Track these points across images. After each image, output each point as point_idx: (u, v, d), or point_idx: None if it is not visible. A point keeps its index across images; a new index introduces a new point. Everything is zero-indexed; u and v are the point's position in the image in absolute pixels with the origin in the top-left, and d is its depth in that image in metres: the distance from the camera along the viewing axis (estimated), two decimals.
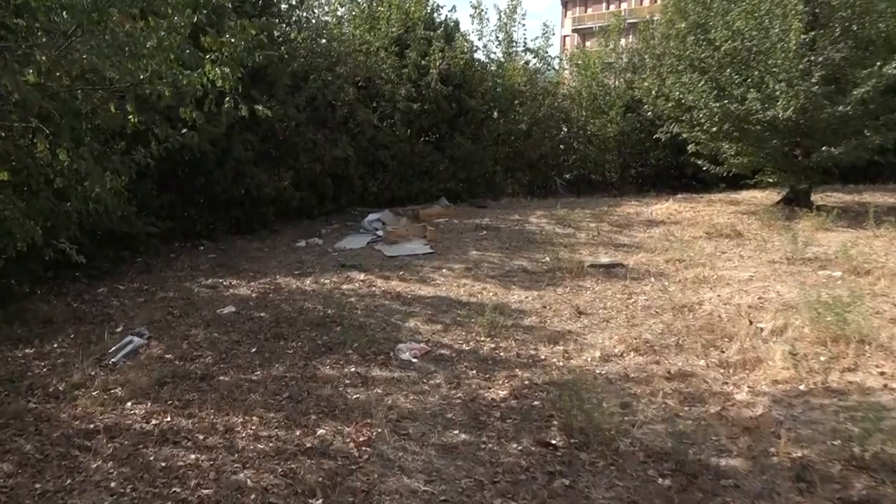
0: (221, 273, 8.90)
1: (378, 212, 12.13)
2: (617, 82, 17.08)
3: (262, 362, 5.66)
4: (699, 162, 13.09)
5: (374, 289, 7.98)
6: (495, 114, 15.88)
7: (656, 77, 13.84)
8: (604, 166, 17.30)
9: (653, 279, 8.29)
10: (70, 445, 4.25)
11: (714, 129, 11.95)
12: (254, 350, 5.94)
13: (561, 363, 5.73)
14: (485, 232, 11.15)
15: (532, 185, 16.04)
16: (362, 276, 8.51)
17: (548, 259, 9.31)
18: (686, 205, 13.31)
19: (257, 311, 7.05)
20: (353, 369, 5.53)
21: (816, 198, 12.93)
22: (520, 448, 4.29)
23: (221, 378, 5.34)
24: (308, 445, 4.22)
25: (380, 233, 11.00)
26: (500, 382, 5.33)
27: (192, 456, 4.09)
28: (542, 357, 5.86)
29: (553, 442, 4.33)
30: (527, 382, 5.30)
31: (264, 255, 9.99)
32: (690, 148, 13.14)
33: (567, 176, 17.04)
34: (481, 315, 6.78)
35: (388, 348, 5.98)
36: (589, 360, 5.81)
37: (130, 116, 6.18)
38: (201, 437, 4.35)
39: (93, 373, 5.47)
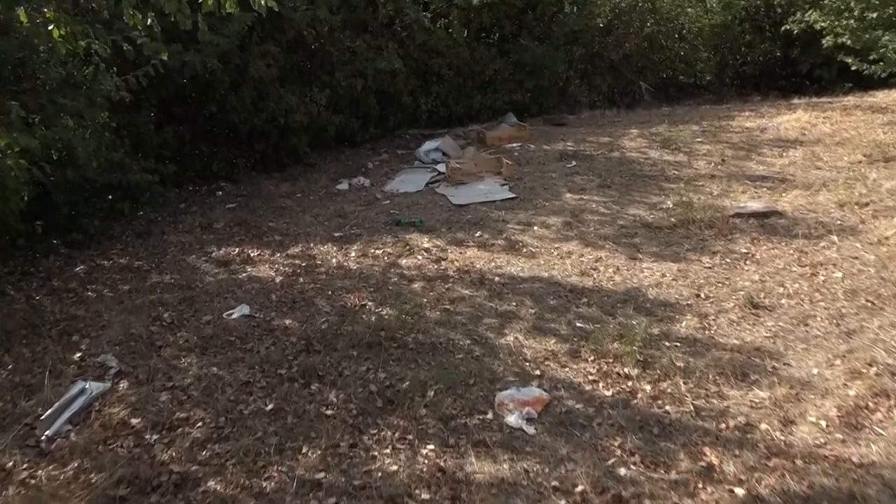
0: (239, 236, 6.58)
1: (435, 138, 9.55)
2: None
3: (280, 440, 3.36)
4: (849, 59, 10.02)
5: (444, 265, 5.57)
6: (567, 6, 12.85)
7: None
8: (695, 66, 14.19)
9: (835, 237, 5.70)
10: None
11: (872, 15, 8.89)
12: (269, 407, 3.64)
13: (780, 435, 3.30)
14: (574, 163, 8.53)
15: (612, 93, 13.15)
16: (426, 241, 6.09)
17: (671, 204, 6.75)
18: (817, 114, 10.36)
19: (280, 315, 4.73)
20: (432, 456, 3.20)
21: None
22: None
23: (210, 485, 3.07)
24: None
25: (440, 167, 8.48)
26: (698, 494, 2.95)
27: None
28: (741, 419, 3.43)
29: None
30: (744, 499, 2.91)
31: (296, 204, 7.62)
32: (827, 41, 10.08)
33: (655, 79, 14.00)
34: (610, 315, 4.40)
35: (484, 399, 3.64)
36: (823, 424, 3.37)
37: (53, 27, 3.72)
38: None
39: (10, 463, 3.28)
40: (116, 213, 7.29)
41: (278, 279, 5.42)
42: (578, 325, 4.46)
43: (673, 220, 6.35)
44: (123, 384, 3.95)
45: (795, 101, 12.15)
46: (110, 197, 7.22)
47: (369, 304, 4.85)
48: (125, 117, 7.46)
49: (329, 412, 3.56)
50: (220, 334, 4.46)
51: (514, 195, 7.30)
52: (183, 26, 4.10)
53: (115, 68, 5.97)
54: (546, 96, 12.26)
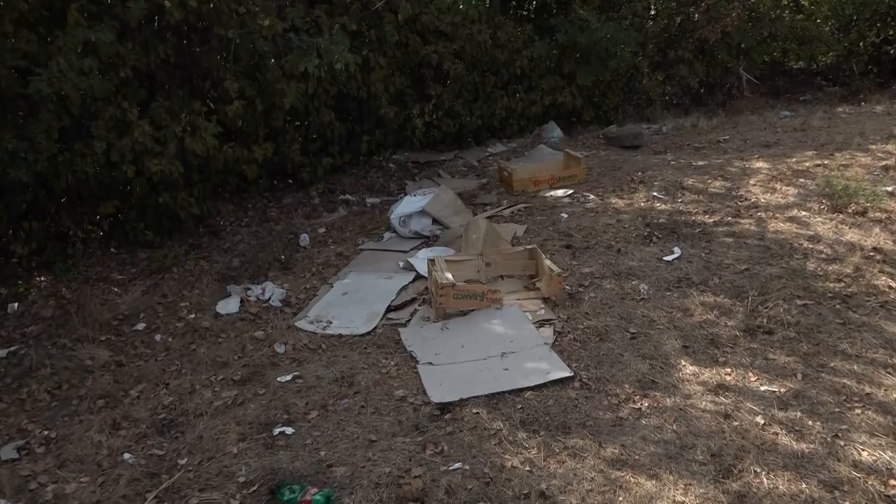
0: None
1: (424, 189, 5.29)
2: None
3: None
4: None
5: None
6: None
7: None
8: (812, 46, 9.59)
9: None
10: None
11: None
12: None
13: None
14: (676, 250, 4.28)
15: (700, 87, 8.74)
16: None
17: None
18: None
19: None
20: None
21: None
22: None
23: None
24: None
25: (421, 258, 4.31)
26: None
27: None
28: None
29: None
30: None
31: (117, 357, 3.60)
32: None
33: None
34: None
35: None
36: None
37: None
38: None
39: None
40: None
41: None
42: None
43: None
44: None
45: None
46: None
47: None
48: None
49: None
50: None
51: (567, 372, 3.12)
52: None
53: None
54: (605, 95, 7.95)
